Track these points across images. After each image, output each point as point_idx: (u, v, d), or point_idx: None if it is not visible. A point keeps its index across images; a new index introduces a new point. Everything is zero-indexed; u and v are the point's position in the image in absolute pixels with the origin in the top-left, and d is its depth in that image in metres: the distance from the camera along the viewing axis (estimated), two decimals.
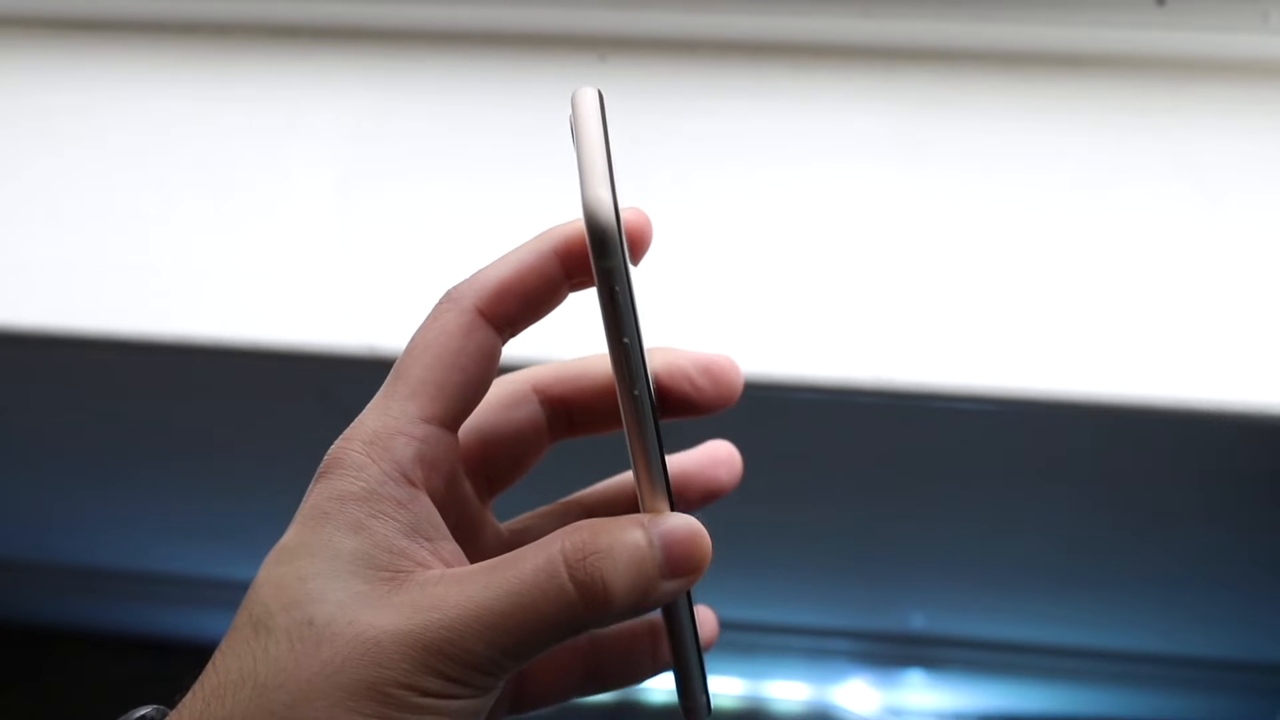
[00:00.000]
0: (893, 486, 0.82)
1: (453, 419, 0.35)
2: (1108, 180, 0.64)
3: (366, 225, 0.66)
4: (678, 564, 0.32)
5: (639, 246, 0.36)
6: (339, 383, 0.72)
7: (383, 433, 0.34)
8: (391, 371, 0.35)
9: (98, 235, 0.67)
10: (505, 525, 0.42)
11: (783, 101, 0.68)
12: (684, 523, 0.33)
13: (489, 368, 0.36)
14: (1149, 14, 0.65)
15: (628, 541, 0.32)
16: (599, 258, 0.30)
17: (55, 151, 0.69)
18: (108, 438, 0.90)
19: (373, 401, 0.35)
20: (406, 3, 0.70)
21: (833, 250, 0.63)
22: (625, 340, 0.31)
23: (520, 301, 0.36)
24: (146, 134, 0.70)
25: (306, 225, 0.66)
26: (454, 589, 0.31)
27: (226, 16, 0.72)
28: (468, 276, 0.36)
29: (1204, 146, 0.64)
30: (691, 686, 0.36)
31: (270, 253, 0.65)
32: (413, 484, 0.34)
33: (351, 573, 0.32)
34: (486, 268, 0.36)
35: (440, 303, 0.36)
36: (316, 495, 0.34)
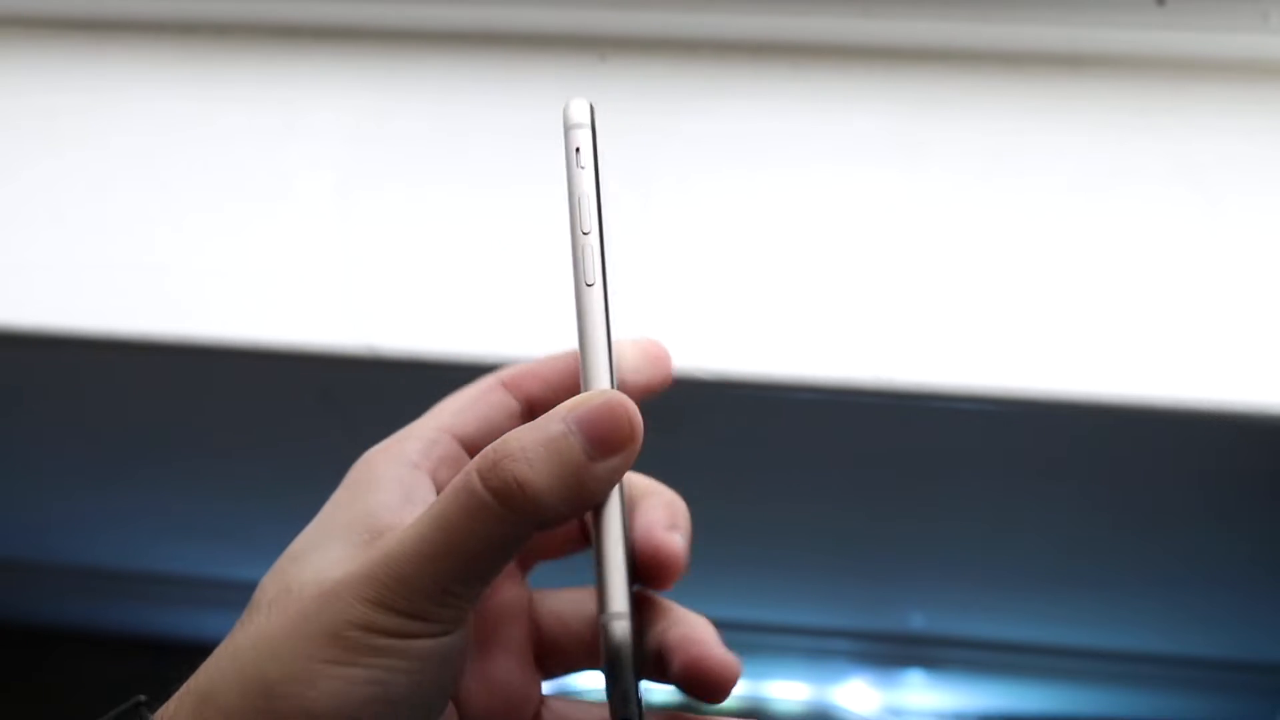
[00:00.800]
0: (893, 486, 0.82)
1: (467, 435, 0.38)
2: (1107, 180, 0.64)
3: (366, 225, 0.66)
4: (602, 441, 0.31)
5: (661, 372, 0.38)
6: (339, 383, 0.72)
7: (399, 438, 0.37)
8: None
9: (97, 235, 0.67)
10: None
11: (783, 101, 0.68)
12: (600, 398, 0.32)
13: (506, 414, 0.39)
14: (1149, 14, 0.65)
15: (541, 436, 0.31)
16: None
17: (55, 152, 0.69)
18: (108, 438, 0.90)
19: None
20: (406, 3, 0.70)
21: (832, 250, 0.63)
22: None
23: (539, 383, 0.39)
24: (146, 134, 0.70)
25: (306, 225, 0.66)
26: (400, 532, 0.32)
27: (226, 16, 0.72)
28: None
29: (1204, 147, 0.64)
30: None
31: (270, 253, 0.65)
32: (417, 467, 0.36)
33: (338, 539, 0.34)
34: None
35: None
36: (334, 495, 0.36)
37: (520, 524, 0.31)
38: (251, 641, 0.32)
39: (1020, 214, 0.64)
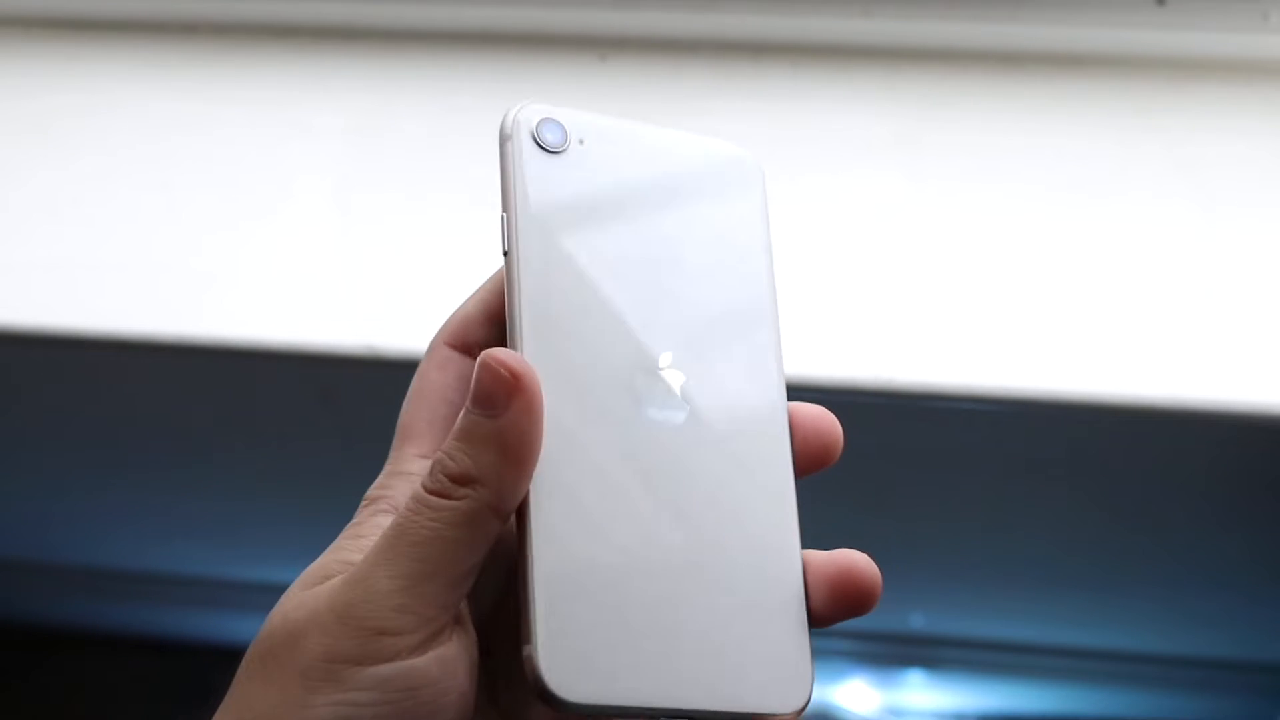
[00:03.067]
0: (893, 486, 0.82)
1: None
2: (1108, 180, 0.64)
3: (366, 225, 0.66)
4: (488, 397, 0.30)
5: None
6: (339, 383, 0.72)
7: (384, 479, 0.35)
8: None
9: (97, 236, 0.67)
10: None
11: (783, 102, 0.68)
12: (477, 364, 0.31)
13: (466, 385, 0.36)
14: (1149, 14, 0.65)
15: (455, 431, 0.31)
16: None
17: (54, 152, 0.69)
18: (108, 438, 0.90)
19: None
20: (406, 3, 0.70)
21: (832, 250, 0.63)
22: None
23: (484, 326, 0.36)
24: (146, 135, 0.70)
25: (307, 226, 0.66)
26: (360, 557, 0.31)
27: (226, 16, 0.72)
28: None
29: (1203, 146, 0.64)
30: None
31: (270, 253, 0.65)
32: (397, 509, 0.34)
33: (308, 583, 0.32)
34: (456, 308, 0.37)
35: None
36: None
37: (468, 513, 0.30)
38: (241, 711, 0.30)
39: (1020, 214, 0.64)
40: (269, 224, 0.66)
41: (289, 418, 0.81)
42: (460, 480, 0.30)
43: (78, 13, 0.73)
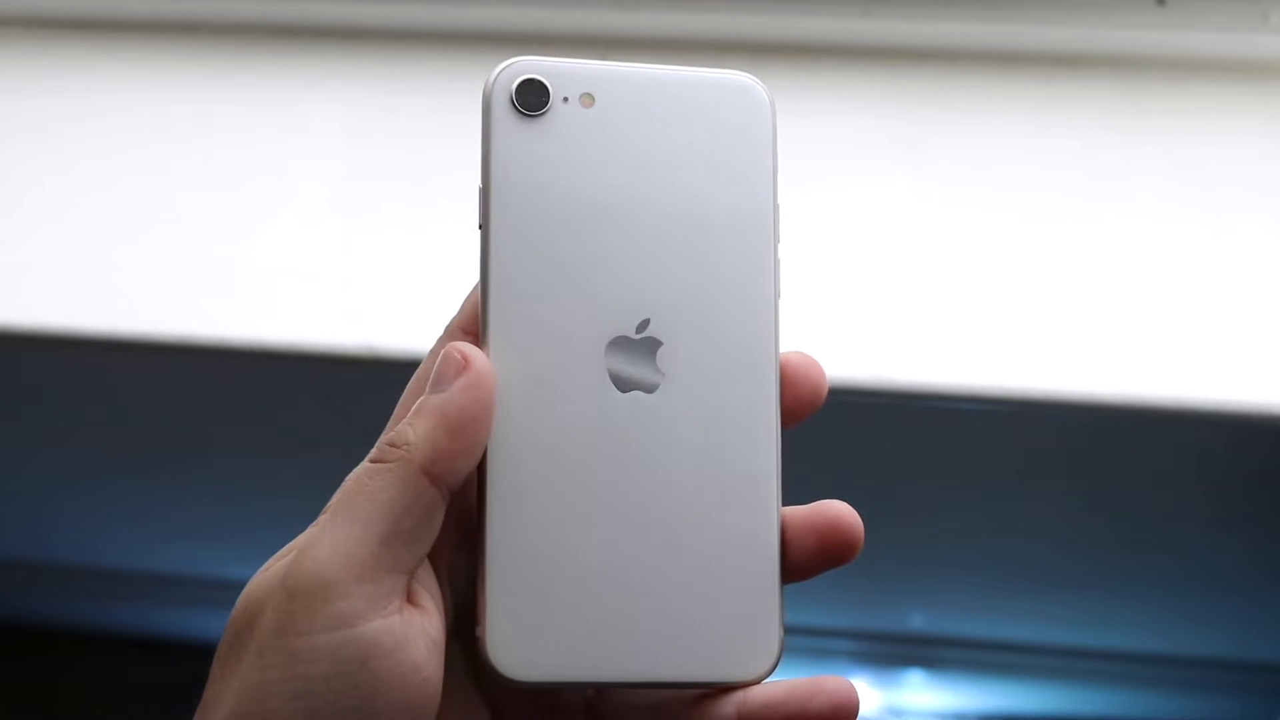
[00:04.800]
0: (893, 486, 0.82)
1: None
2: (1108, 180, 0.64)
3: (366, 225, 0.66)
4: (439, 376, 0.31)
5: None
6: (339, 383, 0.72)
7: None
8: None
9: (98, 236, 0.67)
10: None
11: (783, 102, 0.67)
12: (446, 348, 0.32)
13: None
14: (1149, 14, 0.65)
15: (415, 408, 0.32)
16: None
17: (55, 152, 0.69)
18: (108, 438, 0.90)
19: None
20: (406, 3, 0.70)
21: (832, 250, 0.63)
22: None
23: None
24: (146, 135, 0.70)
25: (307, 225, 0.66)
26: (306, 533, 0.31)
27: (226, 16, 0.72)
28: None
29: (1204, 146, 0.64)
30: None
31: (270, 253, 0.65)
32: None
33: (268, 566, 0.32)
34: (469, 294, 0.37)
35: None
36: None
37: (398, 472, 0.30)
38: (218, 693, 0.30)
39: (1020, 213, 0.64)
40: (268, 224, 0.66)
41: (289, 418, 0.81)
42: (395, 444, 0.31)
43: (78, 13, 0.73)
